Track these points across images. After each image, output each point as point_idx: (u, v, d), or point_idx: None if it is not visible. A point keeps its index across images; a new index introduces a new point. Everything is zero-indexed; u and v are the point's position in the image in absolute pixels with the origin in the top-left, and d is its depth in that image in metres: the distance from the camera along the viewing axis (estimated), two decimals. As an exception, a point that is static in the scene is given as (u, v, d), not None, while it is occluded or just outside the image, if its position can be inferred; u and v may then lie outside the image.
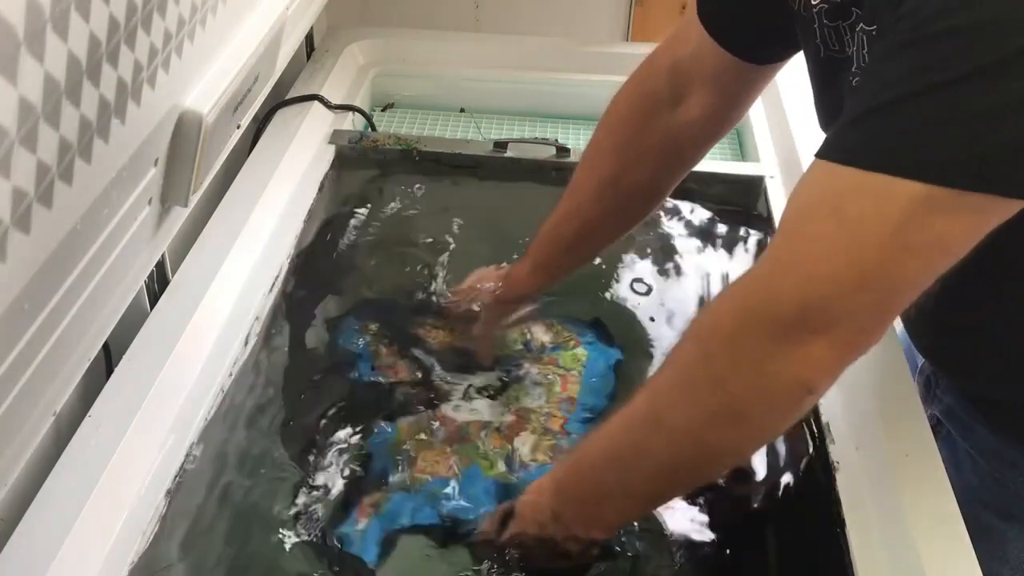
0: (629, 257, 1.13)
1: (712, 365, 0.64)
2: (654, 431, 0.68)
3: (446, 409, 0.94)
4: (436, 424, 0.92)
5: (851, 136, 0.59)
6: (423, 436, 0.90)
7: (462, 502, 0.84)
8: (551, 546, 0.74)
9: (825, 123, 0.78)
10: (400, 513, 0.83)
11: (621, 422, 0.71)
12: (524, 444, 0.90)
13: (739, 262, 1.14)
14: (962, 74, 0.53)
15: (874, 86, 0.58)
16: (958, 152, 0.54)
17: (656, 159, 0.92)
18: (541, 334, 1.03)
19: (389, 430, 0.91)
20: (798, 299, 0.59)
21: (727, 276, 1.12)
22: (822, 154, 0.60)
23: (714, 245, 1.17)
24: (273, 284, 1.03)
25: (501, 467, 0.88)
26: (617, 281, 1.11)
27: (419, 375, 0.97)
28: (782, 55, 0.84)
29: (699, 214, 1.21)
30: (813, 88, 0.78)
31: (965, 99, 0.53)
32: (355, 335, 1.02)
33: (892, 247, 0.57)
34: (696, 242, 1.17)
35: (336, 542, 0.80)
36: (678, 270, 1.13)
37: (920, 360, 0.94)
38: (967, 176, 0.54)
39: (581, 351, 1.01)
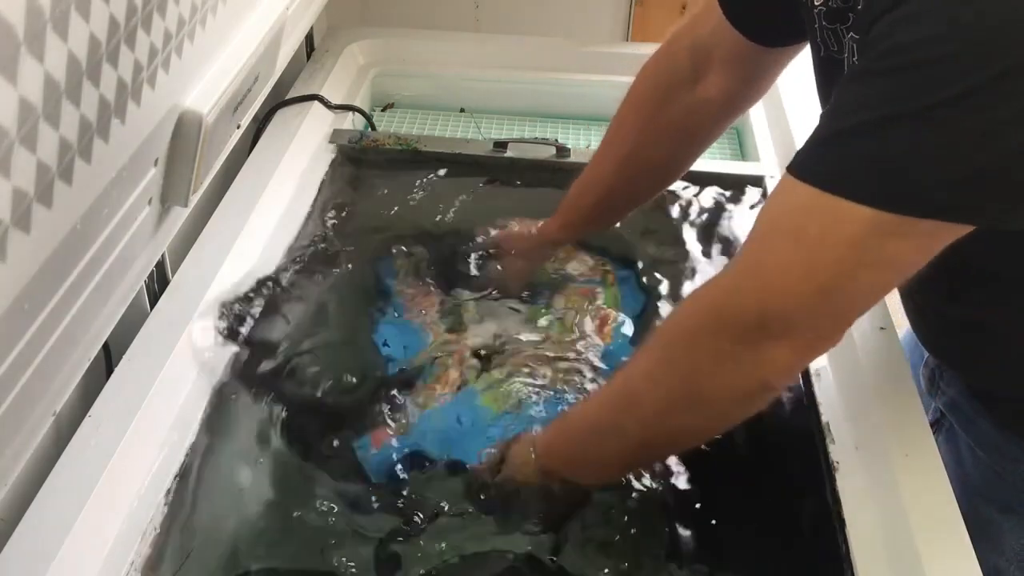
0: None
1: (676, 363, 0.70)
2: (627, 412, 0.74)
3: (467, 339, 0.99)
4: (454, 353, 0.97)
5: (816, 156, 0.62)
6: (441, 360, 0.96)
7: (467, 435, 0.88)
8: (536, 493, 0.80)
9: None
10: (411, 443, 0.87)
11: (601, 400, 0.79)
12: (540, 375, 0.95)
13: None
14: (916, 109, 0.55)
15: (841, 108, 0.60)
16: (909, 182, 0.57)
17: (675, 135, 0.95)
18: (577, 264, 1.09)
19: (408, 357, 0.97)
20: (758, 308, 0.64)
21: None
22: (791, 168, 0.63)
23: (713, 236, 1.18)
24: (273, 283, 1.03)
25: (509, 401, 0.92)
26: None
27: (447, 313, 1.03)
28: (795, 40, 0.85)
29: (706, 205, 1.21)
30: (816, 82, 0.79)
31: (918, 133, 0.56)
32: (393, 265, 1.09)
33: (847, 265, 0.60)
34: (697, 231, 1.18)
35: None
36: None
37: (926, 353, 0.94)
38: (917, 204, 0.57)
39: (615, 290, 1.06)
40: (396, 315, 1.04)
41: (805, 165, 0.62)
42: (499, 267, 1.08)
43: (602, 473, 0.80)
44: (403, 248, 1.11)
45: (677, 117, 0.93)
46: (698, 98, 0.92)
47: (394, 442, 0.87)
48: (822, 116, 0.63)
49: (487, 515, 0.81)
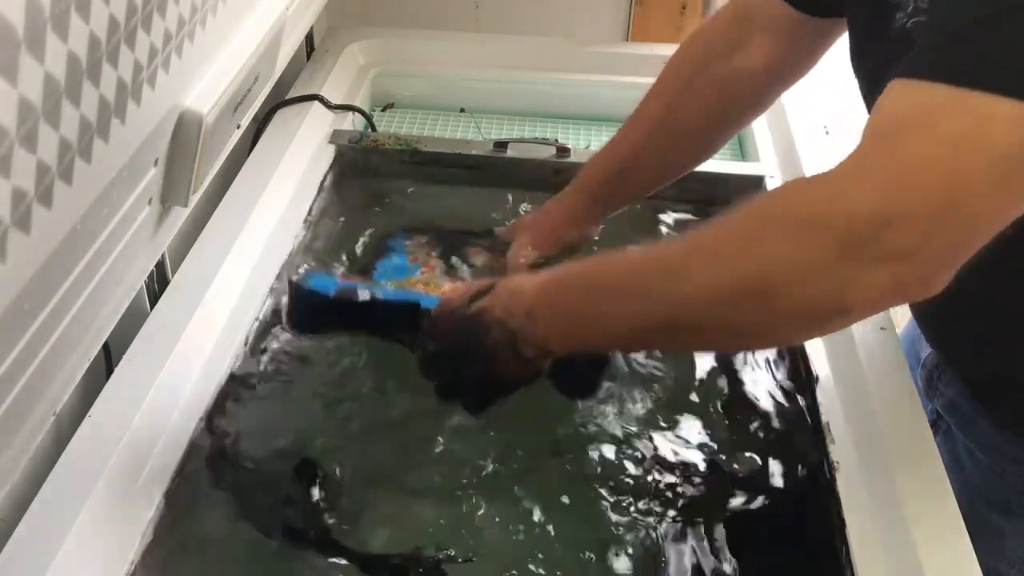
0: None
1: (762, 247, 0.59)
2: (674, 282, 0.63)
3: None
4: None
5: (940, 55, 0.56)
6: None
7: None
8: (508, 339, 0.70)
9: (865, 82, 0.76)
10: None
11: (643, 261, 0.67)
12: None
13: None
14: None
15: (955, 8, 0.56)
16: None
17: (707, 103, 0.93)
18: None
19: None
20: (879, 210, 0.55)
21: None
22: (904, 74, 0.57)
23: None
24: (273, 284, 1.03)
25: None
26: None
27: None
28: (836, 12, 0.82)
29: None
30: (851, 46, 0.77)
31: None
32: (404, 238, 1.09)
33: (990, 169, 0.54)
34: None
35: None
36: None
37: (924, 354, 0.94)
38: None
39: None
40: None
41: (928, 66, 0.55)
42: (508, 251, 1.04)
43: (599, 339, 0.70)
44: (412, 230, 1.12)
45: (715, 82, 0.91)
46: (737, 66, 0.90)
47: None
48: (923, 32, 0.58)
49: (436, 356, 0.74)
